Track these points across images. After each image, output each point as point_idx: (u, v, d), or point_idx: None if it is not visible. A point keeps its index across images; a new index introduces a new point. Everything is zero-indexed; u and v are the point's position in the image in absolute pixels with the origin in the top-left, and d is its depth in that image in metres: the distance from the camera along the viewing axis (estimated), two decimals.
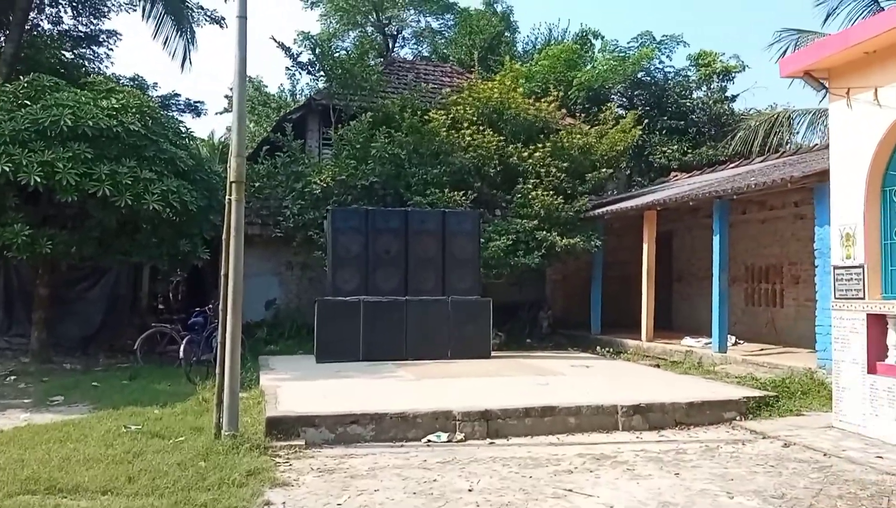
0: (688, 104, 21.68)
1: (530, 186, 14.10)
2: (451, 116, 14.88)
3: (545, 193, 13.90)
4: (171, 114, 16.50)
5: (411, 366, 10.72)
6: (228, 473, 5.52)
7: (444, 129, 14.52)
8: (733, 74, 21.82)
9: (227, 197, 6.99)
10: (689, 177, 16.90)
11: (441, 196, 13.83)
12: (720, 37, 49.55)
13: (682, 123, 21.53)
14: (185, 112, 22.08)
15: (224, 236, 6.94)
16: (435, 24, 32.51)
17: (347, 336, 11.34)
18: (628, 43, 23.33)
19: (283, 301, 15.90)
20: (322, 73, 16.27)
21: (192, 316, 12.21)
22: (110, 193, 10.45)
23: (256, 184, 15.44)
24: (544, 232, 13.76)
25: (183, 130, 13.95)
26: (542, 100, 15.52)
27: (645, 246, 13.20)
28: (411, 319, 11.62)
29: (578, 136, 14.94)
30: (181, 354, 10.87)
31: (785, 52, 16.90)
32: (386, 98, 16.07)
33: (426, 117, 14.85)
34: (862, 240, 7.04)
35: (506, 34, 28.52)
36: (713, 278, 11.39)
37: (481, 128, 14.46)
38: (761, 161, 14.79)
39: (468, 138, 14.38)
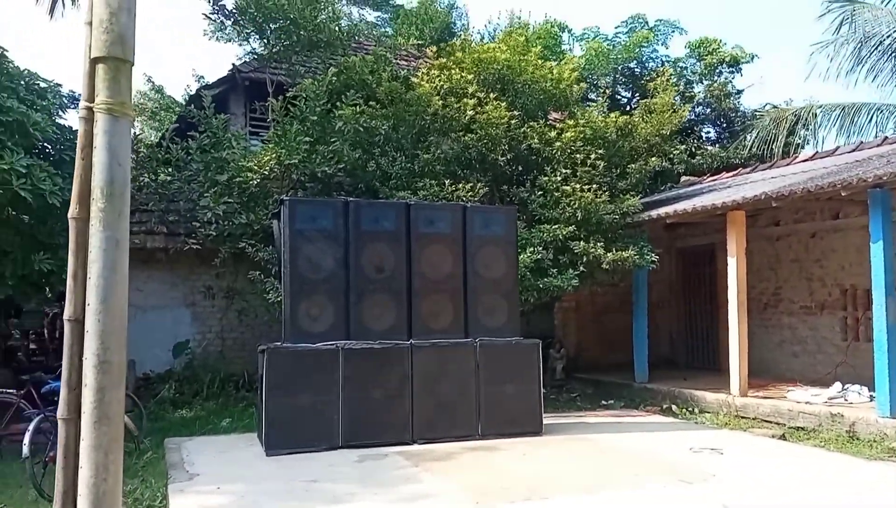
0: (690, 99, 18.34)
1: (559, 179, 10.06)
2: (442, 85, 10.65)
3: (582, 188, 9.90)
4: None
5: (433, 461, 6.35)
6: None
7: (438, 97, 10.28)
8: (741, 65, 18.75)
9: (80, 107, 2.58)
10: (733, 176, 13.35)
11: (439, 190, 9.60)
12: (713, 25, 45.75)
13: (685, 121, 18.15)
14: (68, 107, 16.87)
15: (71, 212, 2.53)
16: (370, 18, 28.80)
17: (317, 407, 6.87)
18: (616, 28, 19.90)
19: (200, 343, 11.20)
20: (252, 26, 11.73)
21: (49, 379, 7.36)
22: None
23: (160, 176, 10.79)
24: (582, 242, 9.75)
25: (44, 84, 9.16)
26: (563, 65, 11.53)
27: (732, 261, 9.38)
28: (419, 375, 7.25)
29: (615, 114, 11.03)
30: (25, 446, 6.20)
31: (841, 23, 13.84)
32: (349, 55, 11.68)
33: (410, 83, 10.59)
34: None
35: (456, 23, 24.76)
36: (874, 304, 7.61)
37: (492, 96, 10.27)
38: (852, 150, 11.37)
39: (469, 112, 10.18)
